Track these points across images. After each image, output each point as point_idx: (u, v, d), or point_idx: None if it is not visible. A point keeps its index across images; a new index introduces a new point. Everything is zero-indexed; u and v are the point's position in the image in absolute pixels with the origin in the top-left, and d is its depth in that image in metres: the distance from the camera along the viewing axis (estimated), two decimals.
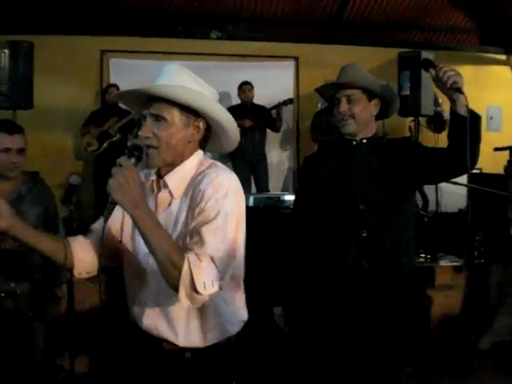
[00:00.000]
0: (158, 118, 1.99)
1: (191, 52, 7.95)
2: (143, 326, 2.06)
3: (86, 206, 7.04)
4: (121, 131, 7.21)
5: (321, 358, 2.82)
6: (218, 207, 1.89)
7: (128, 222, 2.07)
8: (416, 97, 6.03)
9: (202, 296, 1.80)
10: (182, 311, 1.99)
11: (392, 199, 2.73)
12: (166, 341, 2.03)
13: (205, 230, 1.85)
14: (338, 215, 2.72)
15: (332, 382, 2.78)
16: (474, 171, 7.61)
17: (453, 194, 6.68)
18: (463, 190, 6.92)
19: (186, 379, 2.03)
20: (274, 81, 8.07)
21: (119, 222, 2.17)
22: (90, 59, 7.96)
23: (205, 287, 1.79)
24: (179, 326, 2.01)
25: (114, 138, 7.16)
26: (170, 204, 2.05)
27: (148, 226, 1.81)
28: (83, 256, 2.13)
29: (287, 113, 8.13)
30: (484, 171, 7.79)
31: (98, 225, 2.19)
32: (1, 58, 5.68)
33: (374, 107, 2.82)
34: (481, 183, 6.56)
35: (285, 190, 8.40)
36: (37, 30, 7.24)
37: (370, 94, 2.79)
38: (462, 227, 5.40)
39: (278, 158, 8.53)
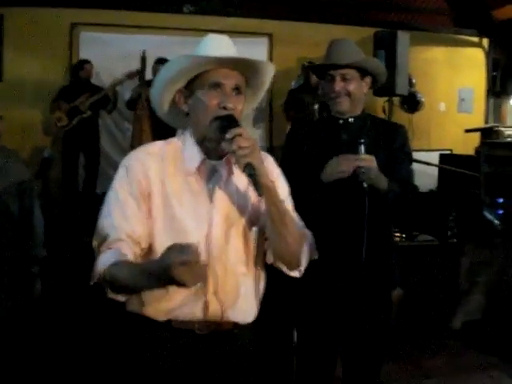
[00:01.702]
0: None
1: (163, 26, 7.86)
2: (209, 313, 1.87)
3: (53, 181, 6.93)
4: (91, 108, 7.07)
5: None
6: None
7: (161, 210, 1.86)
8: (391, 76, 6.01)
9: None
10: (248, 288, 1.94)
11: None
12: (231, 323, 1.91)
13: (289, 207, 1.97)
14: (326, 194, 2.68)
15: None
16: (445, 152, 7.70)
17: (424, 175, 6.71)
18: (434, 171, 6.99)
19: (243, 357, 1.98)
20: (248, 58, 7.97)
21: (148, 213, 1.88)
22: (60, 32, 7.76)
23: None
24: (244, 303, 1.94)
25: (85, 115, 7.02)
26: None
27: (277, 195, 1.82)
28: None
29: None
30: (455, 152, 7.86)
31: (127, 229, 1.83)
32: None
33: (365, 85, 2.79)
34: (452, 164, 6.63)
35: None
36: (6, 2, 7.05)
37: (363, 71, 2.75)
38: (434, 207, 5.48)
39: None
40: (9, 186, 3.13)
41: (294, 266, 1.96)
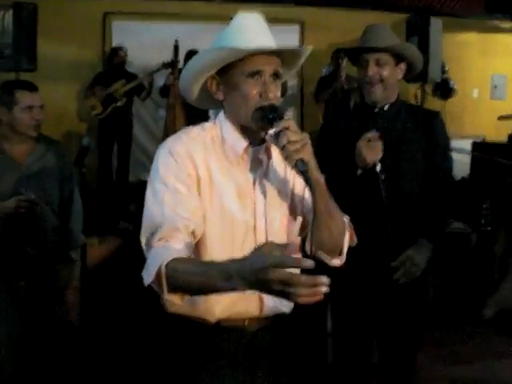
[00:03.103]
0: None
1: (195, 14, 7.88)
2: (264, 308, 1.82)
3: (89, 170, 7.03)
4: (126, 95, 7.11)
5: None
6: None
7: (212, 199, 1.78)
8: (424, 63, 5.96)
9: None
10: None
11: (411, 168, 2.72)
12: (274, 316, 1.88)
13: None
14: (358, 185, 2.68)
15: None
16: (478, 139, 7.62)
17: (456, 162, 6.65)
18: (467, 158, 6.93)
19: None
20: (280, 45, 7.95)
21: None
22: (92, 22, 7.85)
23: None
24: None
25: (119, 103, 7.06)
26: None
27: (326, 189, 1.76)
28: None
29: (291, 78, 8.06)
30: (488, 139, 7.78)
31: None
32: (4, 19, 5.65)
33: (400, 71, 2.77)
34: (485, 152, 6.56)
35: None
36: None
37: (398, 57, 2.73)
38: (466, 195, 5.45)
39: None
40: (50, 173, 3.19)
41: (336, 254, 1.90)
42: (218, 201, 1.77)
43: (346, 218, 1.94)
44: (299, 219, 1.92)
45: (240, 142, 1.81)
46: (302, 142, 1.64)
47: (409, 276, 2.68)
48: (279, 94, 1.80)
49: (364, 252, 2.55)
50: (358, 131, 2.70)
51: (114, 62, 7.26)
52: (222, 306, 1.78)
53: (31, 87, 3.14)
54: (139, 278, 1.63)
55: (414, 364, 2.85)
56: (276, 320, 1.89)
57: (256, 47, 1.73)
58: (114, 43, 7.69)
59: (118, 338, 4.15)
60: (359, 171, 2.62)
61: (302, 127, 8.43)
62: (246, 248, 1.67)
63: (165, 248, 1.63)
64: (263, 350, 1.87)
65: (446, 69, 7.70)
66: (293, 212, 1.90)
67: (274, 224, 1.84)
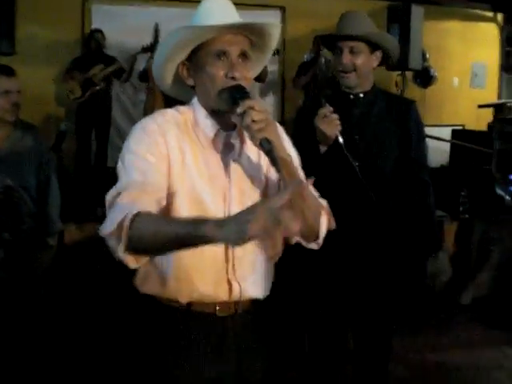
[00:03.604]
0: None
1: None
2: (232, 293, 1.81)
3: (66, 155, 6.97)
4: (105, 80, 7.04)
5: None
6: None
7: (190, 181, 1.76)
8: (404, 50, 5.98)
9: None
10: (261, 263, 1.87)
11: (385, 156, 2.73)
12: (248, 301, 1.87)
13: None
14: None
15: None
16: (457, 128, 7.67)
17: (436, 150, 6.71)
18: (446, 146, 6.97)
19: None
20: None
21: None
22: (72, 5, 7.72)
23: None
24: (259, 279, 1.88)
25: (98, 87, 7.00)
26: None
27: (294, 168, 1.77)
28: None
29: (272, 63, 8.03)
30: (467, 128, 7.83)
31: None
32: None
33: (375, 59, 2.77)
34: (464, 140, 6.61)
35: None
36: None
37: (373, 46, 2.73)
38: (445, 183, 5.49)
39: None
40: (27, 159, 3.16)
41: (312, 238, 1.88)
42: (190, 182, 1.76)
43: (324, 201, 1.91)
44: None
45: (211, 126, 1.80)
46: (266, 121, 1.63)
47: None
48: (249, 74, 1.78)
49: (341, 236, 2.55)
50: None
51: (91, 45, 7.17)
52: (192, 286, 1.77)
53: (8, 71, 3.10)
54: (115, 263, 1.58)
55: (390, 351, 2.88)
56: (249, 307, 1.88)
57: (219, 24, 1.71)
58: (94, 27, 7.60)
59: (94, 323, 4.13)
60: (323, 148, 2.62)
61: (283, 112, 8.43)
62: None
63: (132, 202, 1.58)
64: (235, 336, 1.86)
65: (427, 56, 7.72)
66: (265, 195, 1.87)
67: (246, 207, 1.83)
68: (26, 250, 3.15)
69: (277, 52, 7.49)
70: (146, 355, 1.84)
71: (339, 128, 2.57)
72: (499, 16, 9.49)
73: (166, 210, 1.71)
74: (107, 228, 1.54)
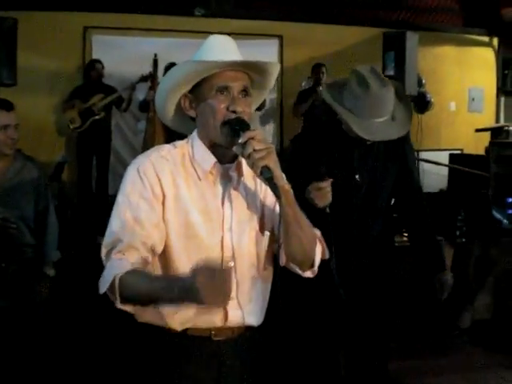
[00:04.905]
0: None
1: (175, 29, 7.91)
2: (228, 320, 1.85)
3: (68, 183, 7.03)
4: (104, 109, 7.14)
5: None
6: None
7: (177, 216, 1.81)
8: (400, 77, 6.05)
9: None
10: (258, 290, 1.93)
11: (388, 193, 2.88)
12: (243, 327, 1.91)
13: None
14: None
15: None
16: (456, 152, 7.71)
17: (434, 175, 6.74)
18: (444, 171, 6.99)
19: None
20: (257, 59, 7.99)
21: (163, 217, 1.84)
22: (73, 35, 7.85)
23: None
24: (256, 307, 1.93)
25: (97, 117, 7.08)
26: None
27: (293, 197, 1.79)
28: None
29: (270, 91, 8.10)
30: (465, 152, 7.86)
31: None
32: None
33: None
34: (462, 164, 6.63)
35: None
36: (20, 6, 7.12)
37: None
38: (443, 207, 5.51)
39: None
40: (26, 190, 3.21)
41: (308, 266, 1.93)
42: (183, 215, 1.80)
43: (318, 231, 1.96)
44: (268, 233, 1.94)
45: (208, 159, 1.84)
46: (266, 150, 1.68)
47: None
48: (249, 109, 1.83)
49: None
50: (335, 161, 2.81)
51: (91, 75, 7.28)
52: (186, 316, 1.81)
53: (8, 106, 3.16)
54: None
55: (387, 375, 2.89)
56: (244, 333, 1.91)
57: (223, 60, 1.79)
58: (94, 57, 7.70)
59: (92, 345, 4.14)
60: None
61: (282, 141, 8.50)
62: (212, 261, 1.72)
63: (121, 261, 1.72)
64: (229, 360, 1.89)
65: (423, 82, 7.80)
66: (262, 226, 1.92)
67: (242, 238, 1.87)
68: (26, 280, 3.18)
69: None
70: (143, 377, 1.90)
71: (329, 200, 2.62)
72: (495, 40, 9.60)
73: (163, 243, 1.81)
74: (103, 288, 1.70)
